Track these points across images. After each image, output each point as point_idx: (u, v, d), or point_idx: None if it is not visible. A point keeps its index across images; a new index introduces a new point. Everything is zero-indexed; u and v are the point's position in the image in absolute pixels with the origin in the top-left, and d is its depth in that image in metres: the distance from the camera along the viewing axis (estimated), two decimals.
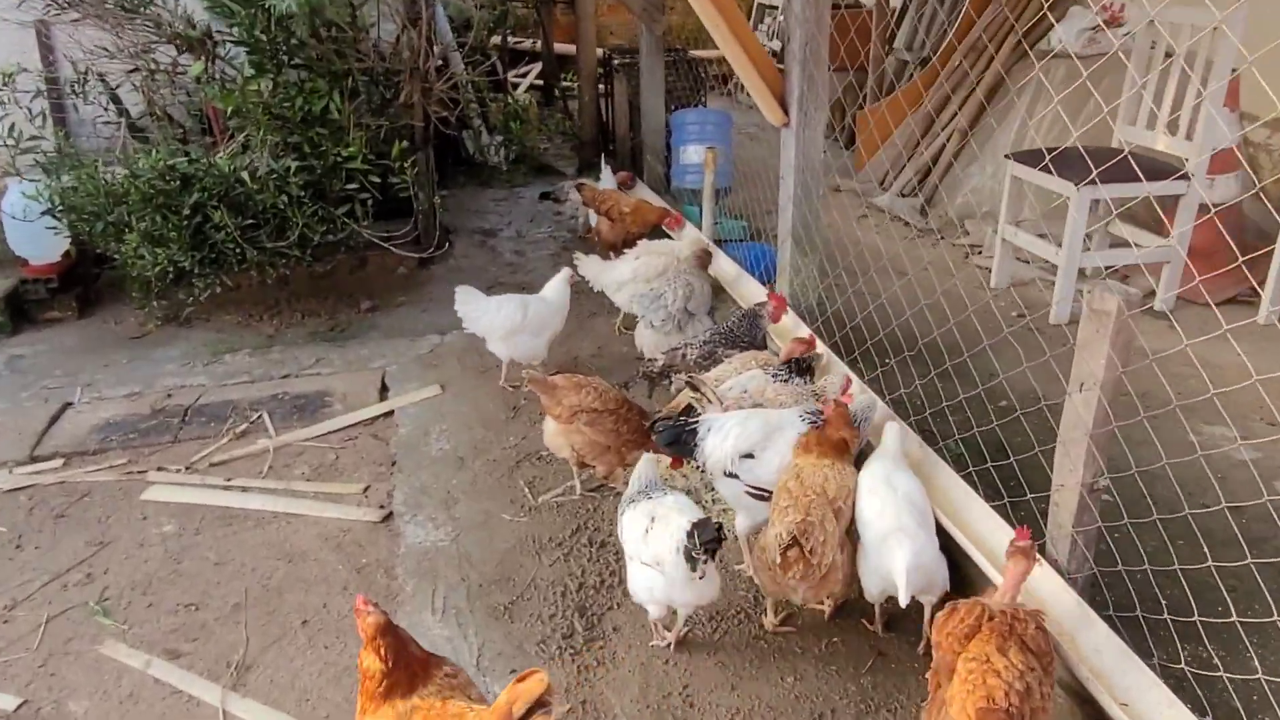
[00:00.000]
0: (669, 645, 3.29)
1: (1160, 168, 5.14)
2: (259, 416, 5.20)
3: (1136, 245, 5.48)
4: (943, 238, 7.01)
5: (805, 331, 4.50)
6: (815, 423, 3.38)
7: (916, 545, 2.91)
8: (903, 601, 2.84)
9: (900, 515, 3.01)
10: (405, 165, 6.43)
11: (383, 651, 2.39)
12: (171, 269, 5.70)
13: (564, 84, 11.60)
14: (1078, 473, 2.74)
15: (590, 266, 6.02)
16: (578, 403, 4.07)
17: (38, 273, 6.43)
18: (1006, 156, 5.59)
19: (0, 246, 6.42)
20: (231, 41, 6.01)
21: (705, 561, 2.87)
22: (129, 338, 6.28)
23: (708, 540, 2.85)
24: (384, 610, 2.47)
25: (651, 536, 3.05)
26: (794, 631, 3.42)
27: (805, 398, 3.73)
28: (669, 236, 6.80)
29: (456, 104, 8.55)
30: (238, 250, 5.72)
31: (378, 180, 6.26)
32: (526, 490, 4.41)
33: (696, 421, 3.48)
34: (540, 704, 2.10)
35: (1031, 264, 6.24)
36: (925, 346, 4.38)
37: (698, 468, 3.58)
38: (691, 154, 7.16)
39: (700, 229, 6.77)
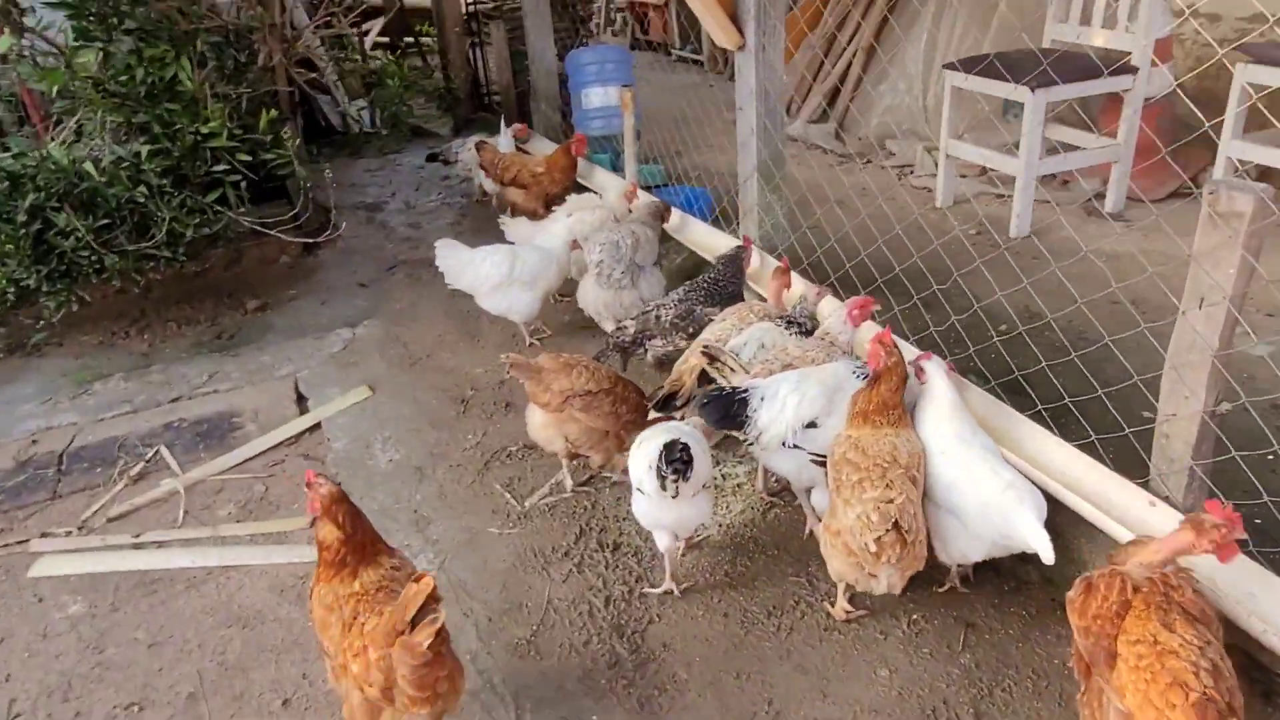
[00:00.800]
0: (672, 592, 3.19)
1: (1100, 65, 4.95)
2: (155, 453, 4.36)
3: (1078, 147, 5.31)
4: (869, 162, 6.71)
5: (775, 264, 4.07)
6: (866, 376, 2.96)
7: (1037, 499, 2.55)
8: (1049, 560, 2.45)
9: (999, 472, 2.64)
10: (280, 137, 5.56)
11: (341, 518, 2.50)
12: (12, 289, 4.69)
13: (421, 37, 10.62)
14: (1198, 398, 2.43)
15: (519, 229, 5.38)
16: (569, 386, 3.50)
17: None
18: (946, 66, 5.29)
19: None
20: (46, 4, 4.94)
21: (674, 480, 2.80)
22: None
23: (672, 460, 2.78)
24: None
25: (633, 459, 3.02)
26: (868, 614, 3.03)
27: (835, 351, 3.30)
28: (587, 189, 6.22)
29: (312, 65, 7.62)
30: (93, 258, 4.77)
31: (248, 158, 5.38)
32: (508, 496, 3.82)
33: (746, 391, 2.99)
34: (428, 608, 2.20)
35: (969, 178, 6.01)
36: (900, 275, 4.05)
37: (746, 442, 3.09)
38: (595, 97, 6.55)
39: (614, 176, 6.21)
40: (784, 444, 2.95)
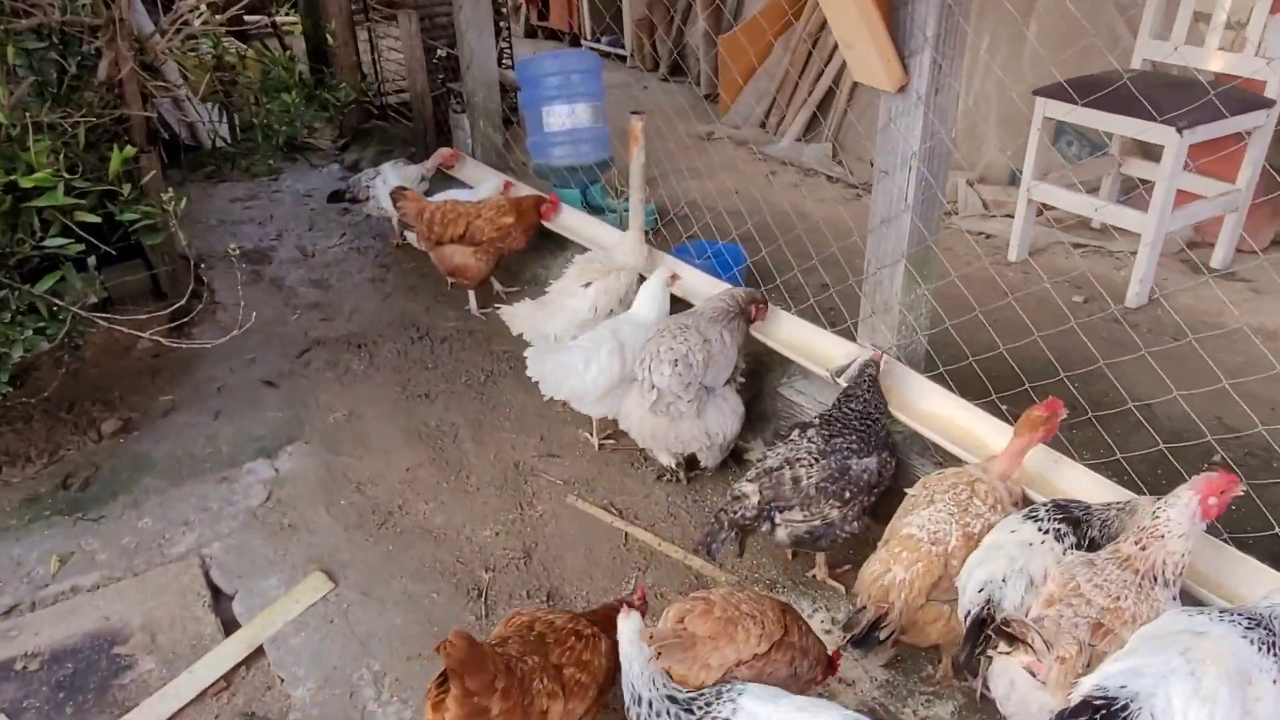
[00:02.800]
0: None
1: (1237, 97, 4.05)
2: None
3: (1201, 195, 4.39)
4: None
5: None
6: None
7: None
8: None
9: None
10: (140, 186, 3.85)
11: None
12: None
13: (280, 20, 8.66)
14: None
15: (520, 315, 3.94)
16: (736, 656, 2.18)
17: None
18: (1038, 93, 4.26)
19: None
20: None
21: None
22: None
23: None
24: None
25: None
26: None
27: (1157, 588, 2.13)
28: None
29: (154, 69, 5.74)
30: None
31: (94, 219, 3.65)
32: None
33: (1124, 707, 1.77)
34: None
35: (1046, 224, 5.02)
36: (1011, 364, 3.01)
37: None
38: (559, 116, 5.12)
39: (605, 225, 4.82)
40: None
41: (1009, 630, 2.02)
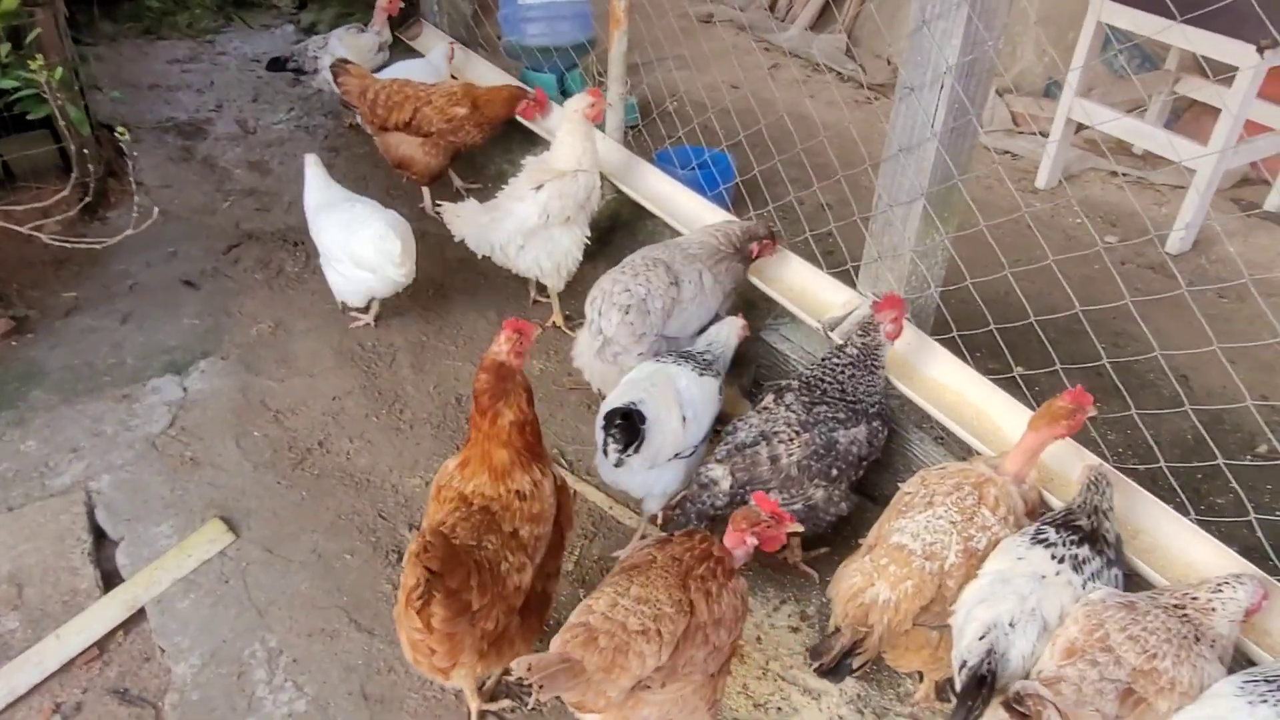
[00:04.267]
0: None
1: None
2: None
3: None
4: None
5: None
6: None
7: None
8: None
9: None
10: (29, 44, 3.25)
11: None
12: None
13: None
14: None
15: (465, 217, 3.41)
16: (636, 677, 1.83)
17: None
18: None
19: None
20: None
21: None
22: None
23: None
24: None
25: None
26: None
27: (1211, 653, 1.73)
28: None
29: None
30: None
31: None
32: None
33: None
34: None
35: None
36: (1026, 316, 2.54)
37: None
38: None
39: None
40: None
41: (1020, 709, 1.61)
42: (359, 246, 3.33)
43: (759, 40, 5.68)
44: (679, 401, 2.48)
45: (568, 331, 3.57)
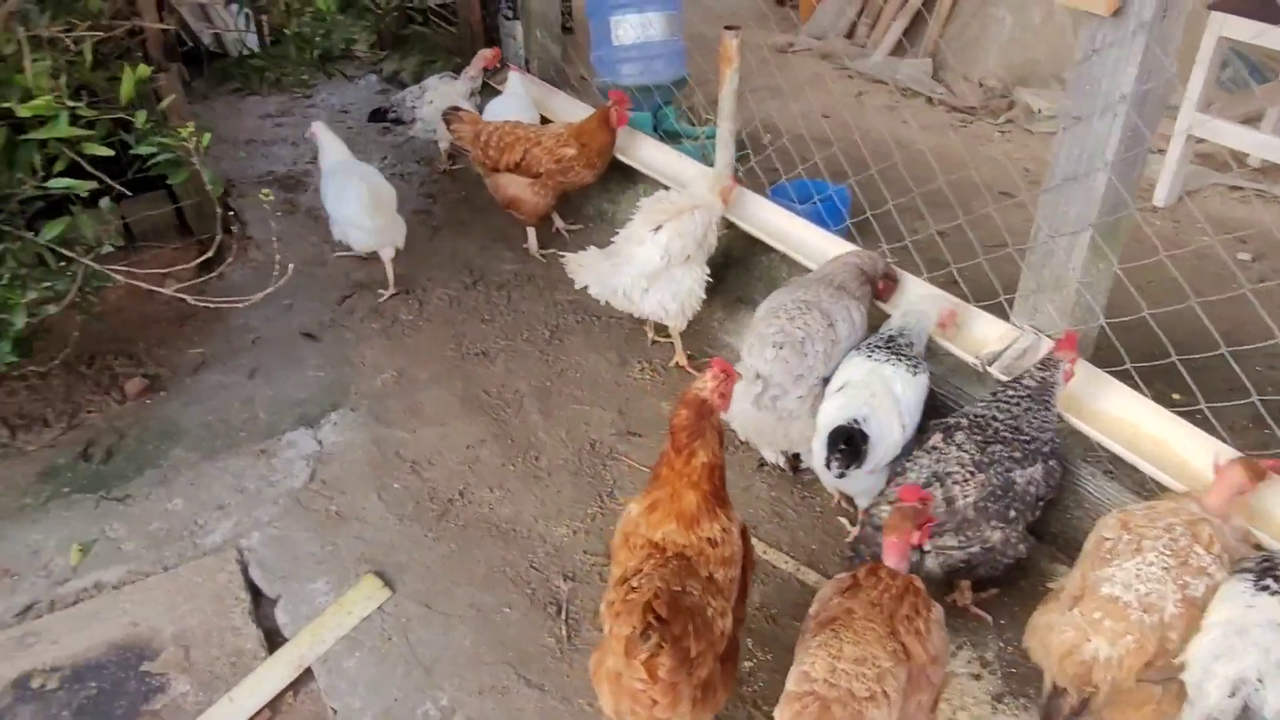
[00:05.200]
0: None
1: None
2: None
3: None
4: (1008, 121, 4.92)
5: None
6: None
7: None
8: None
9: None
10: (160, 112, 3.33)
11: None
12: None
13: None
14: None
15: (587, 265, 3.43)
16: None
17: None
18: (1214, 7, 3.55)
19: None
20: None
21: None
22: None
23: None
24: None
25: None
26: None
27: None
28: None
29: None
30: None
31: (106, 152, 3.14)
32: None
33: None
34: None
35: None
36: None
37: None
38: (629, 28, 4.46)
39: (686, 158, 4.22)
40: None
41: None
42: (345, 206, 3.98)
43: (842, 68, 5.67)
44: (897, 410, 2.50)
45: (691, 371, 3.55)
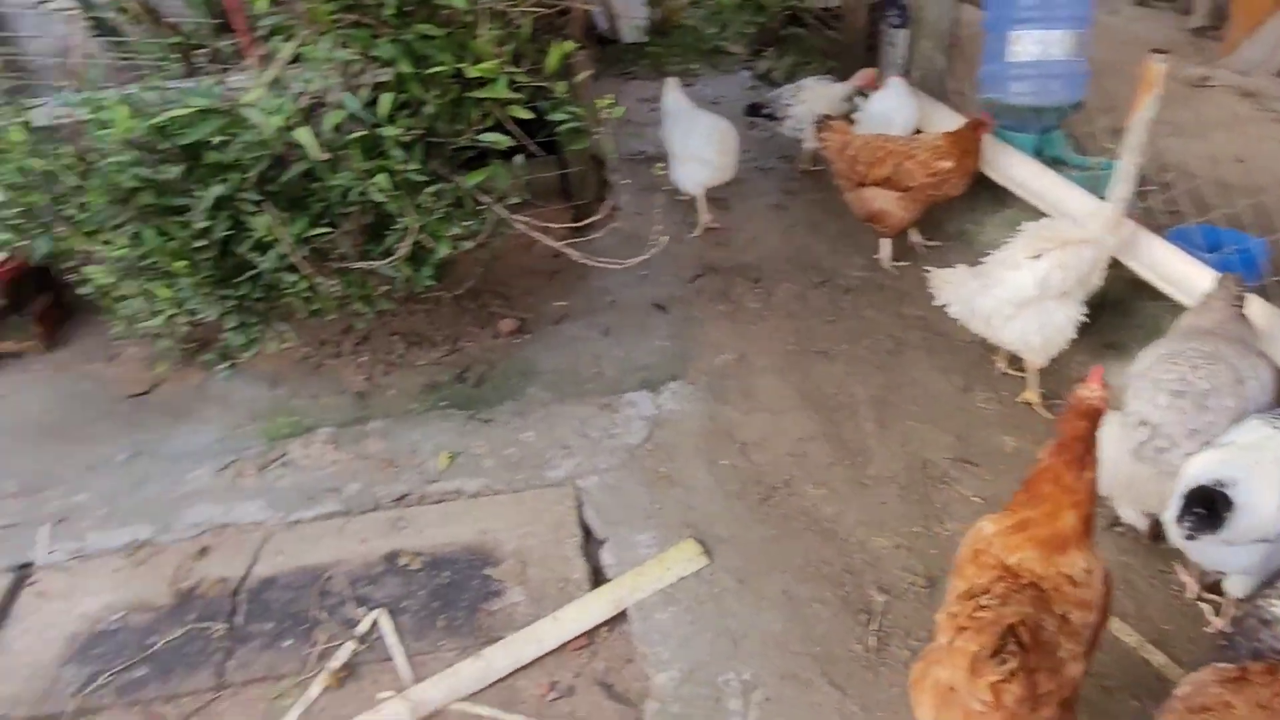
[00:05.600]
0: None
1: None
2: (373, 623, 2.73)
3: None
4: None
5: None
6: None
7: None
8: None
9: None
10: (573, 84, 3.65)
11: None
12: (185, 319, 3.08)
13: None
14: None
15: (953, 283, 3.33)
16: None
17: None
18: None
19: None
20: None
21: None
22: (125, 396, 3.75)
23: None
24: None
25: None
26: None
27: None
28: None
29: None
30: (301, 285, 3.07)
31: (527, 115, 3.51)
32: None
33: None
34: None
35: None
36: None
37: None
38: (1029, 44, 4.23)
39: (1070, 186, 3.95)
40: None
41: None
42: (693, 139, 4.46)
43: (1268, 109, 5.00)
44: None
45: (1043, 413, 3.33)
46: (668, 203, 4.96)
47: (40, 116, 3.18)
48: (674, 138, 4.58)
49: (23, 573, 2.98)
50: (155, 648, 2.70)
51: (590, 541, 2.99)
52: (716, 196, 5.08)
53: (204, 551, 3.01)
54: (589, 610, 2.73)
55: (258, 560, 2.96)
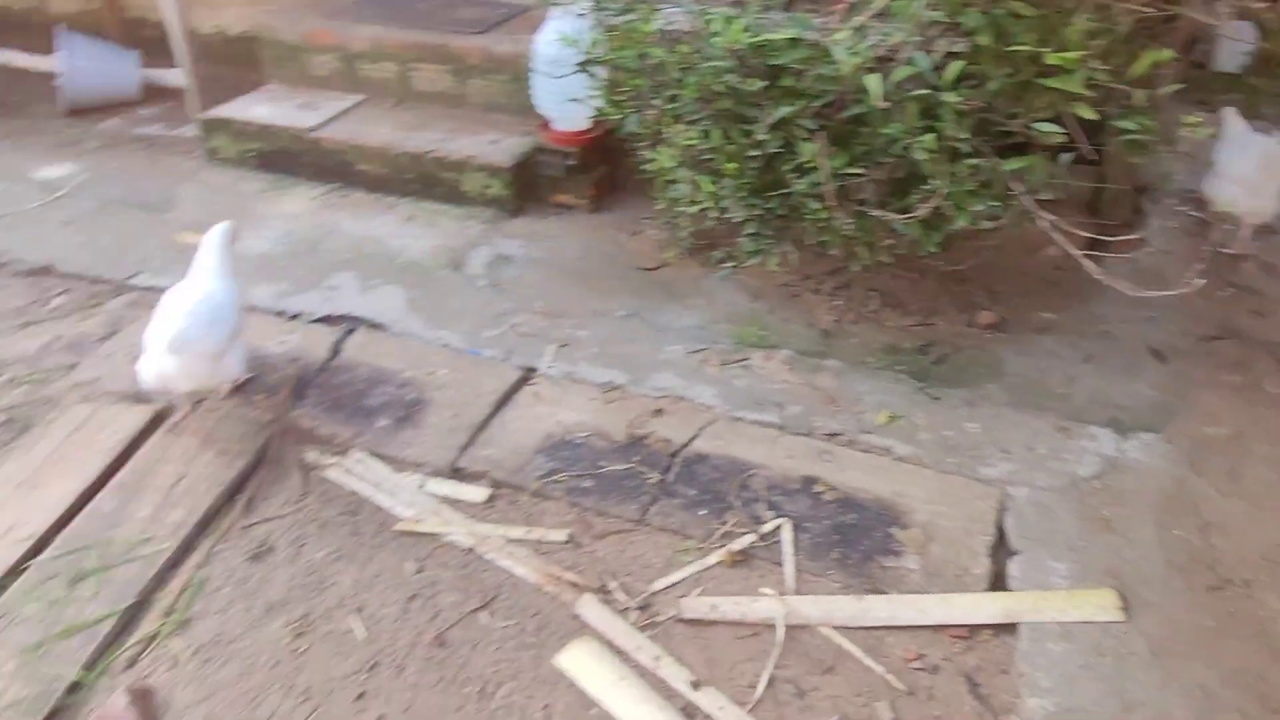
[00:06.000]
0: None
1: None
2: (776, 527, 2.96)
3: None
4: None
5: None
6: None
7: None
8: None
9: None
10: (1154, 95, 3.41)
11: None
12: (715, 211, 3.50)
13: None
14: None
15: None
16: None
17: (559, 141, 4.71)
18: None
19: (527, 96, 4.75)
20: None
21: None
22: (636, 267, 4.36)
23: None
24: None
25: None
26: None
27: None
28: None
29: None
30: (822, 213, 3.31)
31: (1093, 117, 3.35)
32: None
33: None
34: None
35: None
36: None
37: None
38: None
39: None
40: None
41: None
42: (1245, 161, 4.24)
43: None
44: None
45: None
46: (1211, 257, 4.43)
47: (661, 20, 3.75)
48: (1221, 157, 4.34)
49: (528, 374, 3.67)
50: (603, 470, 3.20)
51: (1001, 547, 2.92)
52: (1273, 260, 4.45)
53: (659, 412, 3.46)
54: (981, 608, 2.70)
55: (699, 436, 3.34)
